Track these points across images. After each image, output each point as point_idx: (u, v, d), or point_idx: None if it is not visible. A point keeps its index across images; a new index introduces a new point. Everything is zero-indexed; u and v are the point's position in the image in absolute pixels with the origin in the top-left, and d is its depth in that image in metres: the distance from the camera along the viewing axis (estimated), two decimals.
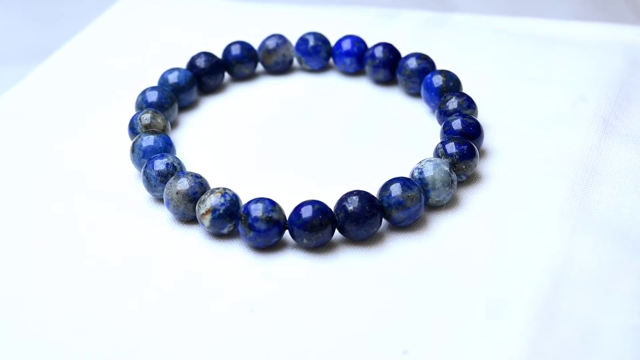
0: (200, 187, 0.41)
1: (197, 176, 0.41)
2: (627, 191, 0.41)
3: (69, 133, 0.47)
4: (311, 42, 0.50)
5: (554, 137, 0.45)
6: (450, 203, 0.42)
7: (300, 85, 0.50)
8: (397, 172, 0.43)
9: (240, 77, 0.50)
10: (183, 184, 0.41)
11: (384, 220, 0.40)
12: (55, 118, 0.48)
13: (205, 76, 0.49)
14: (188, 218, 0.41)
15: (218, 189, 0.40)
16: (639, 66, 0.50)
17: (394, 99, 0.49)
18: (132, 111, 0.48)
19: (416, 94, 0.48)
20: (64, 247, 0.40)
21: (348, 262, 0.39)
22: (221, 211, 0.40)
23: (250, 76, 0.51)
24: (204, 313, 0.37)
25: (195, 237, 0.41)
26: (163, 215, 0.42)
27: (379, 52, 0.49)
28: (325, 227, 0.39)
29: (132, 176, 0.44)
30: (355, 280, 0.38)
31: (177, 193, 0.41)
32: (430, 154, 0.44)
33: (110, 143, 0.46)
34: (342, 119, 0.47)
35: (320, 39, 0.50)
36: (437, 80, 0.46)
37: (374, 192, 0.41)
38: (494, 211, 0.41)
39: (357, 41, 0.50)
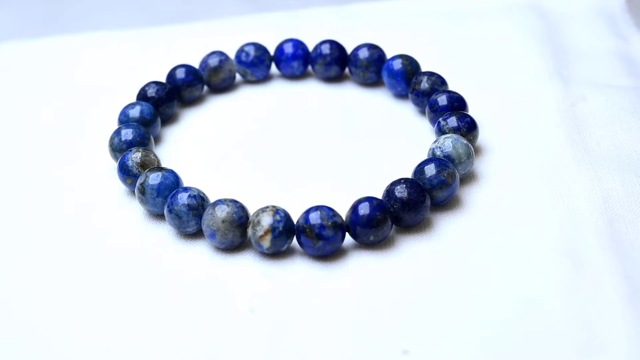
0: (242, 211, 0.40)
1: (234, 201, 0.40)
2: (614, 129, 0.45)
3: (45, 192, 0.44)
4: (253, 53, 0.49)
5: (524, 99, 0.47)
6: (469, 175, 0.43)
7: (254, 98, 0.49)
8: (394, 161, 0.44)
9: (190, 101, 0.49)
10: (226, 212, 0.39)
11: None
12: (15, 182, 0.45)
13: (163, 106, 0.47)
14: (236, 245, 0.40)
15: (267, 207, 0.40)
16: (551, 21, 0.53)
17: (352, 91, 0.49)
18: (101, 155, 0.45)
19: (372, 84, 0.49)
20: (123, 307, 0.38)
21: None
22: (280, 228, 0.39)
23: (199, 99, 0.49)
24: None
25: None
26: (201, 244, 0.41)
27: (327, 50, 0.49)
28: (386, 220, 0.39)
29: (139, 217, 0.42)
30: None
31: (223, 222, 0.39)
32: (414, 135, 0.46)
33: (98, 192, 0.44)
34: (315, 121, 0.47)
35: (260, 47, 0.49)
36: (399, 65, 0.48)
37: (378, 189, 0.42)
38: (514, 176, 0.43)
39: (299, 43, 0.50)
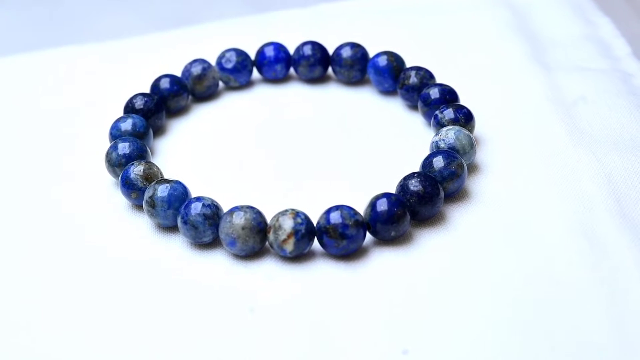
0: (260, 216, 0.40)
1: (251, 207, 0.40)
2: (603, 111, 0.46)
3: (47, 215, 0.43)
4: (235, 58, 0.49)
5: (510, 88, 0.48)
6: (472, 166, 0.43)
7: (241, 104, 0.49)
8: (394, 156, 0.44)
9: (176, 112, 0.48)
10: (244, 218, 0.39)
11: None
12: (15, 208, 0.43)
13: (152, 117, 0.46)
14: (255, 251, 0.39)
15: (286, 211, 0.39)
16: (519, 11, 0.54)
17: (338, 91, 0.49)
18: (95, 171, 0.44)
19: (356, 82, 0.49)
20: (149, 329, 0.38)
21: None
22: (303, 231, 0.39)
23: (185, 109, 0.49)
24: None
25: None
26: (220, 252, 0.40)
27: (309, 51, 0.49)
28: (405, 215, 0.40)
29: (147, 231, 0.42)
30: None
31: (242, 229, 0.39)
32: (408, 129, 0.46)
33: (99, 209, 0.43)
34: (307, 122, 0.47)
35: (242, 53, 0.49)
36: (385, 62, 0.48)
37: (383, 185, 0.42)
38: (516, 163, 0.43)
39: (280, 46, 0.49)
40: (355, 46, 0.49)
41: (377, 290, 0.38)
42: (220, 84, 0.50)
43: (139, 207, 0.42)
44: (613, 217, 0.40)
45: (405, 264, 0.39)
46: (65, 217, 0.42)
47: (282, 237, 0.39)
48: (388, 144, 0.45)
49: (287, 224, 0.39)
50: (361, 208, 0.40)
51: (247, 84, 0.50)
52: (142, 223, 0.42)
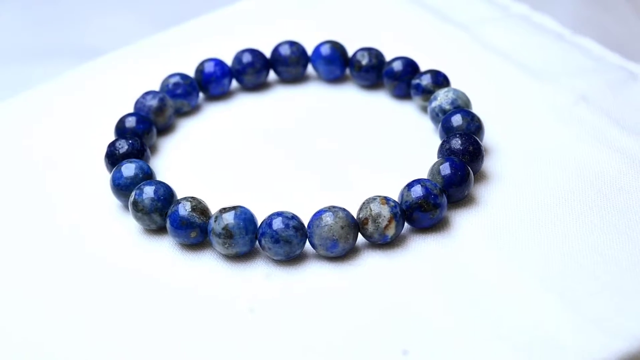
0: (349, 212, 0.40)
1: (334, 206, 0.39)
2: (575, 81, 0.48)
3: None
4: (182, 82, 0.47)
5: (480, 69, 0.50)
6: None
7: (203, 131, 0.47)
8: (382, 137, 0.46)
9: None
10: (337, 217, 0.39)
11: None
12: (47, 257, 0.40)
13: (144, 138, 0.44)
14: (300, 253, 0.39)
15: (374, 199, 0.40)
16: (431, 7, 0.55)
17: (317, 90, 0.49)
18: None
19: (301, 78, 0.50)
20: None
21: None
22: (400, 212, 0.40)
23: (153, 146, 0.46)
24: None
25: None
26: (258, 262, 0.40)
27: (250, 58, 0.48)
28: (470, 173, 0.41)
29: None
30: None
31: (342, 228, 0.39)
32: (377, 108, 0.48)
33: (150, 257, 0.40)
34: (290, 127, 0.47)
35: (186, 76, 0.48)
36: (330, 50, 0.49)
37: (401, 168, 0.43)
38: (515, 142, 0.44)
39: (220, 61, 0.48)
40: (292, 44, 0.49)
41: (430, 278, 0.38)
42: None
43: (187, 245, 0.40)
44: (627, 179, 0.42)
45: (450, 248, 0.39)
46: (122, 270, 0.40)
47: (384, 223, 0.39)
48: (376, 126, 0.46)
49: (385, 209, 0.39)
50: (394, 192, 0.41)
51: (195, 107, 0.48)
52: (205, 257, 0.40)
